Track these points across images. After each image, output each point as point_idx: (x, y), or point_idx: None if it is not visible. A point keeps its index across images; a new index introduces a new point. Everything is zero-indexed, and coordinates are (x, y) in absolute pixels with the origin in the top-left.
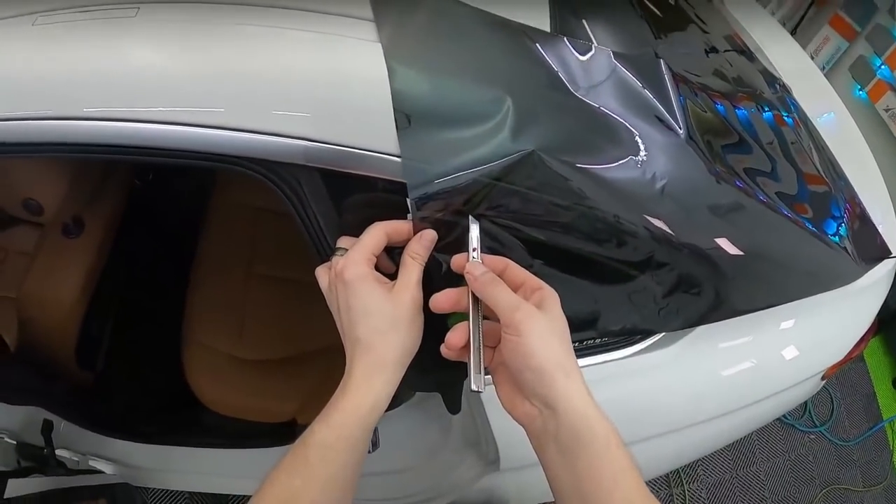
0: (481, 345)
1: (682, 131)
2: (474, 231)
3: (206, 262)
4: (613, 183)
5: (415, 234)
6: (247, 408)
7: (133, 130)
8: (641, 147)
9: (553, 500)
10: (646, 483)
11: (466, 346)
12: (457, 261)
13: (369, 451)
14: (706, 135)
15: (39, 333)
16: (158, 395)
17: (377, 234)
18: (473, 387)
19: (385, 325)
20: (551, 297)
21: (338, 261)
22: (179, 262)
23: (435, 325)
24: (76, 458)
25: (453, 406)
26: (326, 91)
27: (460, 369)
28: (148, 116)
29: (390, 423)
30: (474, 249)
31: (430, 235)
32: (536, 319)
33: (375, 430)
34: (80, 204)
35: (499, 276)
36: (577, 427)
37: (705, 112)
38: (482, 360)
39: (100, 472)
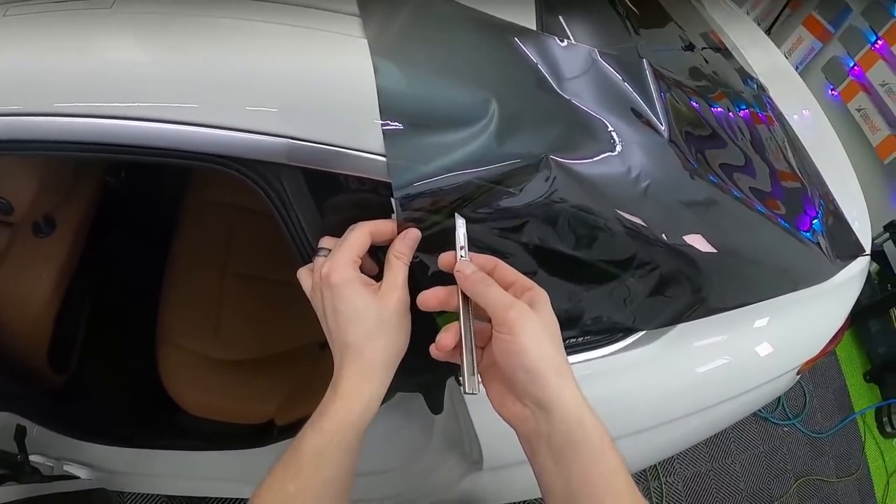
0: (473, 346)
1: (664, 128)
2: (461, 229)
3: (181, 261)
4: (596, 180)
5: (398, 233)
6: (224, 409)
7: (108, 127)
8: (621, 146)
9: (533, 497)
10: (634, 472)
11: (457, 347)
12: (445, 259)
13: None
14: (685, 127)
15: (10, 335)
16: (132, 397)
17: (361, 235)
18: (468, 390)
19: (374, 329)
20: (542, 297)
21: (322, 262)
22: (154, 260)
23: (419, 326)
24: (50, 464)
25: (436, 406)
26: (310, 87)
27: (443, 370)
28: (124, 113)
29: (371, 423)
30: (462, 248)
31: (413, 234)
32: (530, 318)
33: None
34: (51, 202)
35: (488, 275)
36: (571, 428)
37: (681, 107)
38: (475, 362)
39: (75, 477)
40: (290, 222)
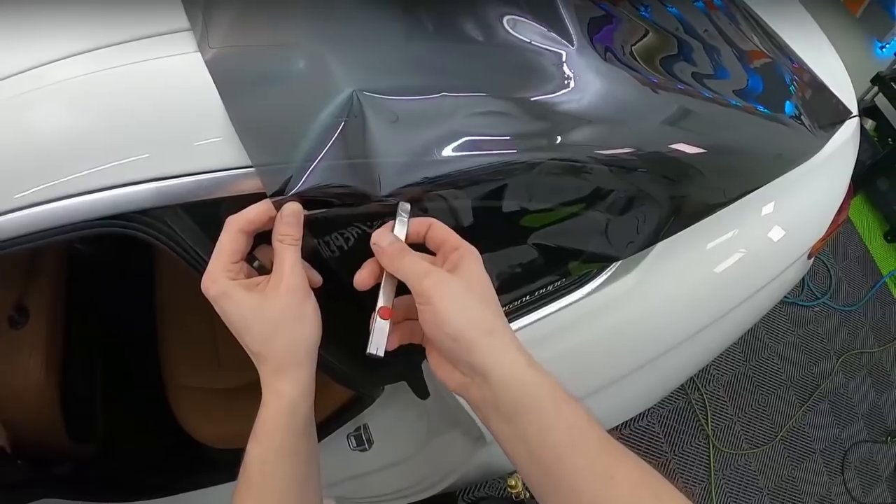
0: (382, 310)
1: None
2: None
3: (168, 305)
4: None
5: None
6: (243, 435)
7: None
8: (560, 75)
9: None
10: (662, 398)
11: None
12: (377, 236)
13: (363, 450)
14: (645, 55)
15: (20, 429)
16: (158, 445)
17: (229, 236)
18: (370, 350)
19: (268, 331)
20: (469, 256)
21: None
22: (146, 308)
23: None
24: None
25: (421, 392)
26: (153, 122)
27: (411, 357)
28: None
29: (375, 419)
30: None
31: (291, 209)
32: (447, 284)
33: (367, 428)
34: (15, 292)
35: (423, 238)
36: (515, 393)
37: (637, 25)
38: (384, 328)
39: None
40: (193, 261)
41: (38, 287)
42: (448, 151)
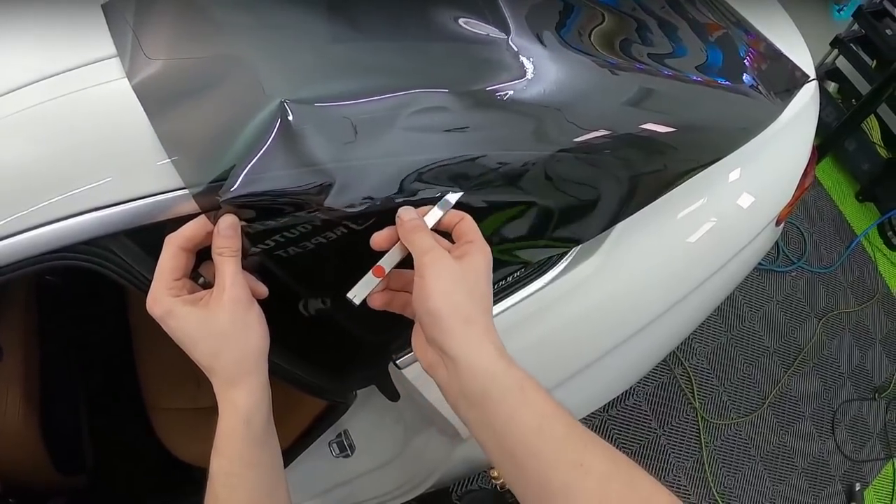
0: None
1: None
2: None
3: (141, 329)
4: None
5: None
6: None
7: None
8: (513, 65)
9: None
10: (645, 374)
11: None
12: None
13: (347, 456)
14: (603, 40)
15: (8, 465)
16: (151, 470)
17: (169, 253)
18: (349, 295)
19: (215, 345)
20: (479, 251)
21: None
22: (122, 333)
23: (333, 333)
24: None
25: (391, 394)
26: (81, 155)
27: (383, 359)
28: None
29: (354, 425)
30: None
31: (227, 222)
32: (443, 263)
33: (348, 434)
34: None
35: (451, 228)
36: (483, 383)
37: (594, 11)
38: (375, 285)
39: None
40: (141, 286)
41: (9, 322)
42: (396, 157)
